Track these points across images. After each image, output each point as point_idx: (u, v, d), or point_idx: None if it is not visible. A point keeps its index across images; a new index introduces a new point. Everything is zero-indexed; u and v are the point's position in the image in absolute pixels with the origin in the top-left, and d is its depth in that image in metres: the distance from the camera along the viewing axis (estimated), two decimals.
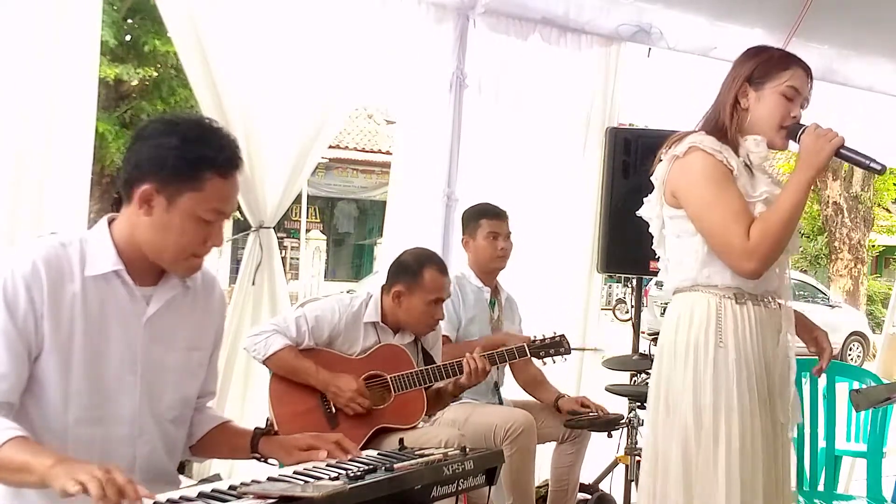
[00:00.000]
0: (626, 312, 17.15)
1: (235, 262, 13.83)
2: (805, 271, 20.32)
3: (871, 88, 5.18)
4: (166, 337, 1.94)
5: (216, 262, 14.65)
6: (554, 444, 3.83)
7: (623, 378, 4.20)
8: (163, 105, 12.22)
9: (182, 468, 2.23)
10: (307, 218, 17.19)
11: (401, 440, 2.02)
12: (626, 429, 3.87)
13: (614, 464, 4.19)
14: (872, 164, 2.35)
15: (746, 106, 2.41)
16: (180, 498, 1.57)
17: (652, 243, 2.54)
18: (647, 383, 3.17)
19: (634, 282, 4.81)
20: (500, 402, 3.74)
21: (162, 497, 1.55)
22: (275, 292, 3.88)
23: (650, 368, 2.77)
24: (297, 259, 17.32)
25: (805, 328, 2.55)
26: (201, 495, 1.58)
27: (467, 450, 1.88)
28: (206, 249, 1.88)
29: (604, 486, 4.27)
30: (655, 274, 3.00)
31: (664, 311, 2.52)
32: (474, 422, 3.41)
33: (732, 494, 2.26)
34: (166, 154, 1.80)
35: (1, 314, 1.75)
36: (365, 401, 3.07)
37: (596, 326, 4.74)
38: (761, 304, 2.39)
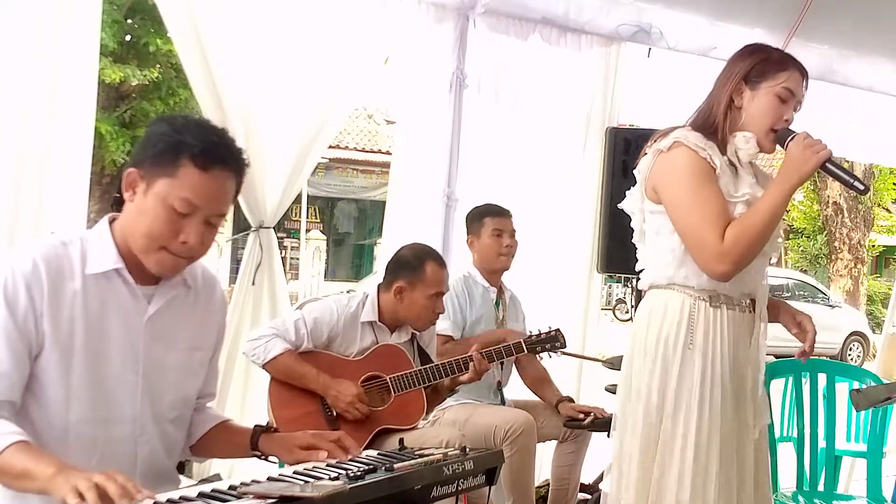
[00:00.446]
0: (626, 312, 17.17)
1: (235, 262, 13.84)
2: (805, 271, 20.32)
3: (871, 88, 5.18)
4: (167, 336, 1.94)
5: (216, 262, 14.67)
6: (554, 443, 3.83)
7: None
8: (163, 105, 12.23)
9: (182, 468, 2.23)
10: (307, 218, 17.18)
11: (401, 440, 2.02)
12: None
13: None
14: (856, 184, 2.31)
15: (740, 104, 2.39)
16: (180, 498, 1.57)
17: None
18: None
19: (634, 282, 4.81)
20: (503, 402, 3.75)
21: (162, 497, 1.55)
22: (275, 292, 3.88)
23: None
24: (297, 259, 17.32)
25: (787, 313, 2.51)
26: (201, 495, 1.57)
27: (467, 450, 1.88)
28: (178, 245, 1.81)
29: (604, 486, 4.27)
30: None
31: None
32: (474, 422, 3.42)
33: (682, 494, 2.26)
34: (153, 140, 1.83)
35: (1, 313, 1.75)
36: (364, 406, 3.07)
37: (596, 326, 4.75)
38: (736, 307, 2.38)
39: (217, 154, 1.83)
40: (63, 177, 3.26)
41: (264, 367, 3.10)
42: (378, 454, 1.95)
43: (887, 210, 21.21)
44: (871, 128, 5.29)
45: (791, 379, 3.91)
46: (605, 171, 4.34)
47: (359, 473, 1.64)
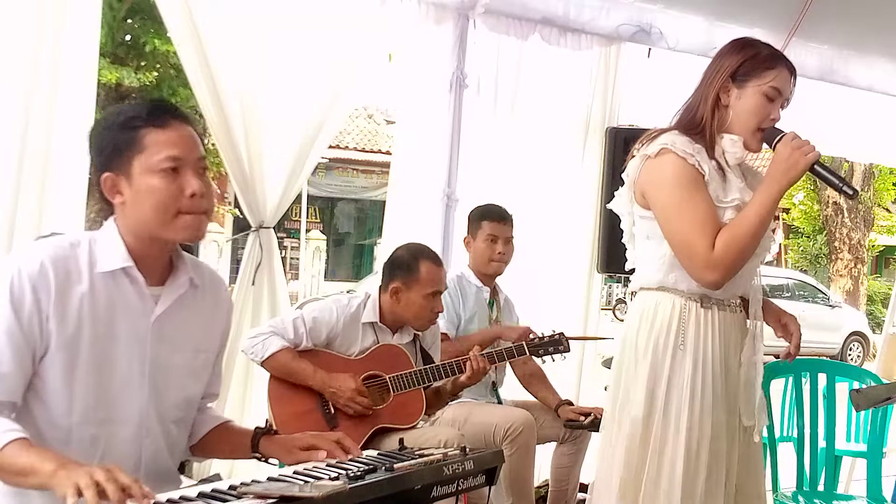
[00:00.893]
0: (626, 312, 17.14)
1: (235, 262, 13.84)
2: (805, 271, 20.33)
3: (871, 88, 5.18)
4: (174, 337, 1.94)
5: (216, 262, 14.68)
6: (554, 444, 3.83)
7: None
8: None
9: (182, 468, 2.23)
10: (307, 218, 17.21)
11: (401, 440, 2.02)
12: None
13: None
14: (844, 188, 2.28)
15: (727, 103, 2.35)
16: (180, 498, 1.57)
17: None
18: None
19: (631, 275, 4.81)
20: (499, 402, 3.75)
21: (162, 497, 1.55)
22: (275, 292, 3.88)
23: None
24: (297, 259, 17.34)
25: (772, 313, 2.48)
26: (201, 495, 1.58)
27: (467, 450, 1.88)
28: (190, 202, 1.82)
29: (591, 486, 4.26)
30: None
31: None
32: (474, 422, 3.42)
33: (673, 493, 2.26)
34: (102, 139, 1.85)
35: (6, 314, 1.75)
36: (364, 400, 3.07)
37: (596, 326, 4.74)
38: (727, 308, 2.37)
39: (162, 111, 1.86)
40: (62, 177, 3.26)
41: (262, 364, 3.10)
42: (378, 454, 1.95)
43: (887, 210, 21.23)
44: (871, 128, 5.28)
45: (791, 379, 3.92)
46: (605, 171, 4.34)
47: (359, 473, 1.64)
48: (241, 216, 3.81)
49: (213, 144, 3.85)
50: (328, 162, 17.71)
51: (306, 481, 1.66)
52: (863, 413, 4.32)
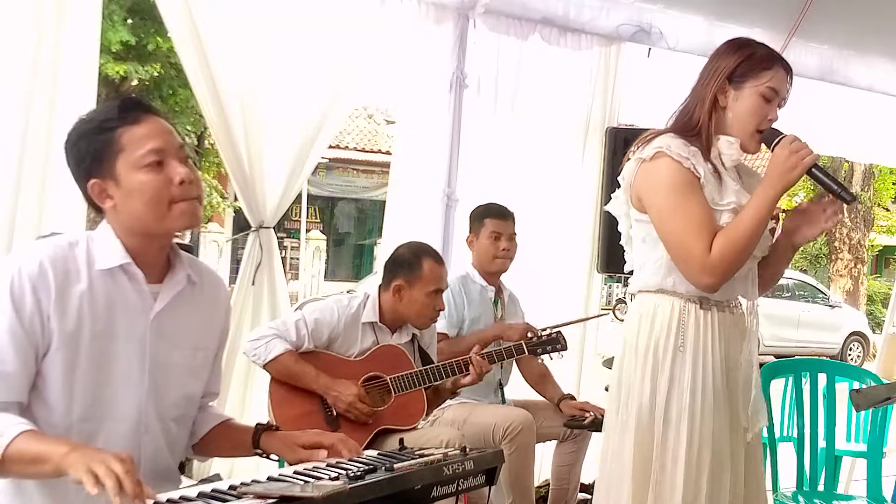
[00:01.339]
0: (626, 312, 17.13)
1: (235, 262, 13.84)
2: (805, 271, 20.31)
3: (871, 88, 5.18)
4: (173, 334, 1.94)
5: (216, 262, 14.67)
6: (554, 443, 3.84)
7: None
8: (163, 105, 12.20)
9: (182, 468, 2.23)
10: (307, 218, 17.20)
11: (401, 440, 2.02)
12: None
13: None
14: (843, 193, 2.26)
15: (725, 104, 2.34)
16: (180, 498, 1.57)
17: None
18: None
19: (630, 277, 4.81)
20: (503, 402, 3.75)
21: (162, 497, 1.55)
22: (275, 292, 3.88)
23: None
24: (297, 259, 17.33)
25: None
26: (201, 495, 1.57)
27: (467, 450, 1.88)
28: (181, 190, 1.84)
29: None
30: None
31: None
32: (473, 421, 3.42)
33: (675, 497, 2.26)
34: (79, 148, 1.85)
35: (8, 314, 1.76)
36: (365, 406, 3.07)
37: (596, 326, 4.75)
38: (726, 309, 2.37)
39: (132, 107, 1.86)
40: (63, 177, 3.25)
41: (265, 367, 3.10)
42: (378, 454, 1.95)
43: (887, 210, 21.22)
44: (871, 128, 5.28)
45: (791, 379, 3.91)
46: (605, 171, 4.34)
47: (359, 473, 1.64)
48: (240, 212, 3.79)
49: (213, 144, 3.86)
50: (328, 162, 17.70)
51: (306, 481, 1.66)
52: (863, 413, 4.32)
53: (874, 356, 12.04)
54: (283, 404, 3.09)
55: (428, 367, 3.22)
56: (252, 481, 1.65)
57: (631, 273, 2.48)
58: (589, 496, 4.11)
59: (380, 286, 3.30)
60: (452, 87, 4.20)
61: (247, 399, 3.83)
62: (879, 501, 3.39)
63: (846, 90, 5.08)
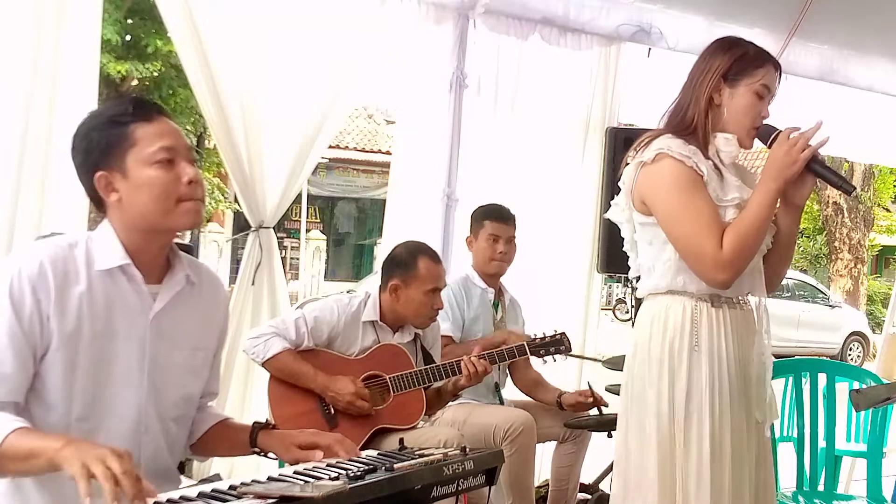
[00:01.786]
0: (626, 312, 17.16)
1: (235, 262, 13.84)
2: (805, 271, 20.33)
3: (871, 88, 5.18)
4: (172, 334, 1.94)
5: (216, 262, 14.67)
6: (554, 444, 3.83)
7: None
8: (164, 105, 12.20)
9: (182, 468, 2.23)
10: (307, 218, 17.20)
11: (401, 440, 2.02)
12: None
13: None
14: (843, 185, 2.29)
15: (720, 102, 2.35)
16: (180, 498, 1.57)
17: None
18: None
19: (634, 282, 4.81)
20: (501, 403, 3.75)
21: (162, 497, 1.55)
22: (275, 292, 3.88)
23: None
24: (297, 259, 17.33)
25: None
26: (201, 495, 1.57)
27: (467, 450, 1.88)
28: (189, 189, 1.86)
29: (604, 486, 4.27)
30: None
31: None
32: (474, 422, 3.41)
33: (702, 496, 2.25)
34: (90, 140, 1.86)
35: (7, 315, 1.76)
36: (364, 403, 3.07)
37: (596, 326, 4.74)
38: (737, 306, 2.38)
39: (145, 105, 1.90)
40: (63, 177, 3.26)
41: (263, 365, 3.10)
42: (378, 454, 1.95)
43: (887, 210, 21.23)
44: (871, 128, 5.29)
45: (791, 379, 3.91)
46: (605, 171, 4.33)
47: (359, 473, 1.64)
48: (240, 212, 3.79)
49: (213, 146, 3.86)
50: (328, 162, 17.71)
51: (306, 481, 1.66)
52: (863, 413, 4.32)
53: (874, 356, 12.04)
54: (281, 403, 3.09)
55: (427, 367, 3.22)
56: (252, 481, 1.64)
57: (637, 279, 2.48)
58: (589, 496, 4.12)
59: (379, 286, 3.30)
60: (452, 87, 4.21)
61: (246, 399, 3.83)
62: (879, 501, 3.39)
63: (846, 90, 5.08)
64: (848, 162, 15.58)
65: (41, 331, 1.78)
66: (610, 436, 3.98)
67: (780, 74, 2.39)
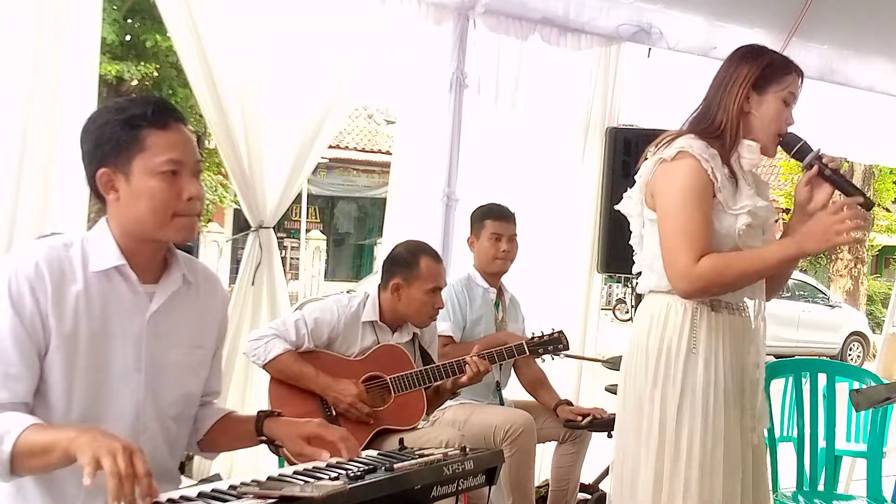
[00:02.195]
0: (626, 312, 17.17)
1: (235, 262, 13.84)
2: (805, 271, 20.31)
3: (871, 88, 5.18)
4: (169, 334, 1.94)
5: (216, 262, 14.67)
6: (554, 444, 3.83)
7: None
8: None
9: (182, 468, 2.22)
10: (307, 218, 17.20)
11: (401, 440, 2.02)
12: None
13: None
14: (864, 200, 2.30)
15: (749, 109, 2.38)
16: (180, 498, 1.57)
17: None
18: None
19: (634, 282, 4.81)
20: (501, 403, 3.75)
21: (162, 497, 1.55)
22: (275, 292, 3.88)
23: None
24: (297, 259, 17.33)
25: None
26: (201, 495, 1.57)
27: (467, 450, 1.88)
28: (187, 205, 1.85)
29: (604, 486, 4.27)
30: None
31: None
32: (474, 422, 3.42)
33: (689, 500, 2.26)
34: (101, 134, 1.84)
35: (9, 316, 1.76)
36: (365, 406, 3.07)
37: (596, 326, 4.74)
38: (735, 312, 2.39)
39: (164, 110, 1.87)
40: (64, 177, 3.26)
41: (264, 367, 3.10)
42: (378, 454, 1.95)
43: (887, 210, 21.21)
44: (871, 128, 5.29)
45: (791, 379, 3.91)
46: (605, 171, 4.34)
47: (359, 473, 1.64)
48: (240, 211, 3.78)
49: (214, 147, 3.86)
50: (328, 162, 17.70)
51: (306, 481, 1.65)
52: (863, 413, 4.32)
53: (874, 356, 12.03)
54: (282, 404, 3.08)
55: (428, 367, 3.22)
56: (252, 481, 1.65)
57: (633, 274, 2.49)
58: (588, 496, 4.12)
59: (379, 286, 3.30)
60: (452, 87, 4.20)
61: (246, 399, 3.83)
62: (879, 501, 3.39)
63: (846, 90, 5.09)
64: (848, 162, 15.57)
65: (42, 329, 1.78)
66: (610, 436, 3.99)
67: (802, 80, 2.42)
